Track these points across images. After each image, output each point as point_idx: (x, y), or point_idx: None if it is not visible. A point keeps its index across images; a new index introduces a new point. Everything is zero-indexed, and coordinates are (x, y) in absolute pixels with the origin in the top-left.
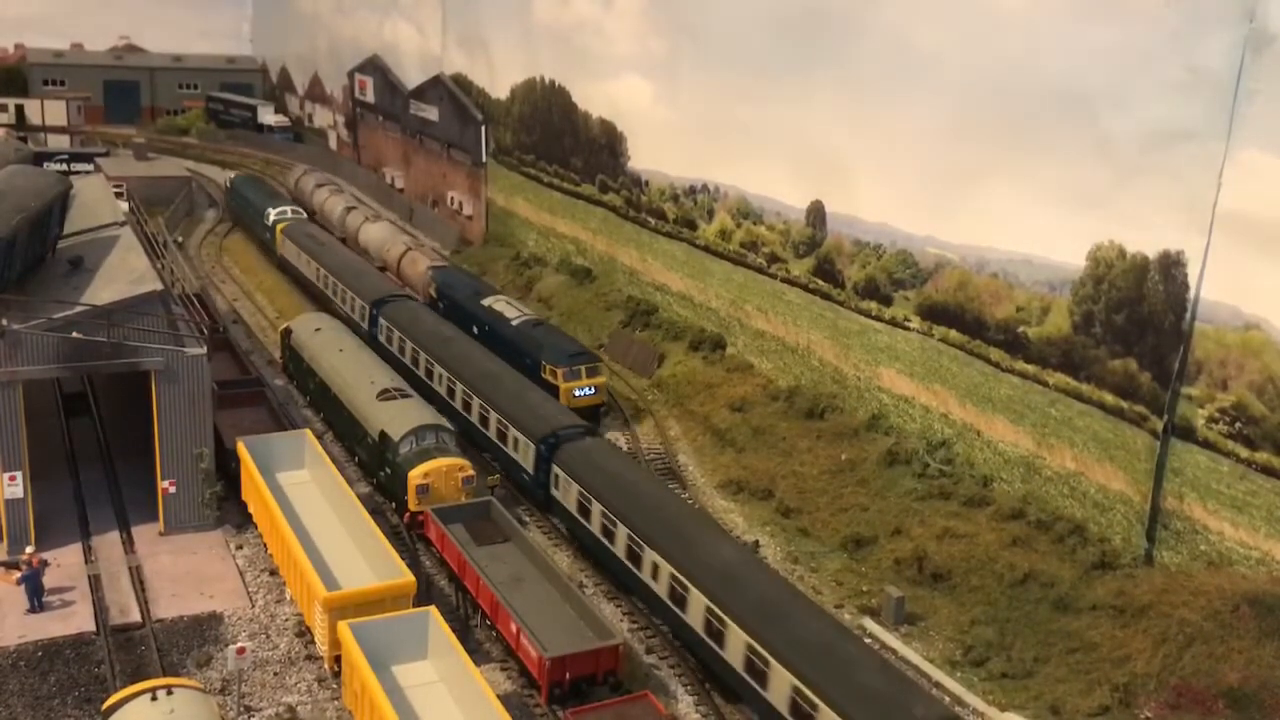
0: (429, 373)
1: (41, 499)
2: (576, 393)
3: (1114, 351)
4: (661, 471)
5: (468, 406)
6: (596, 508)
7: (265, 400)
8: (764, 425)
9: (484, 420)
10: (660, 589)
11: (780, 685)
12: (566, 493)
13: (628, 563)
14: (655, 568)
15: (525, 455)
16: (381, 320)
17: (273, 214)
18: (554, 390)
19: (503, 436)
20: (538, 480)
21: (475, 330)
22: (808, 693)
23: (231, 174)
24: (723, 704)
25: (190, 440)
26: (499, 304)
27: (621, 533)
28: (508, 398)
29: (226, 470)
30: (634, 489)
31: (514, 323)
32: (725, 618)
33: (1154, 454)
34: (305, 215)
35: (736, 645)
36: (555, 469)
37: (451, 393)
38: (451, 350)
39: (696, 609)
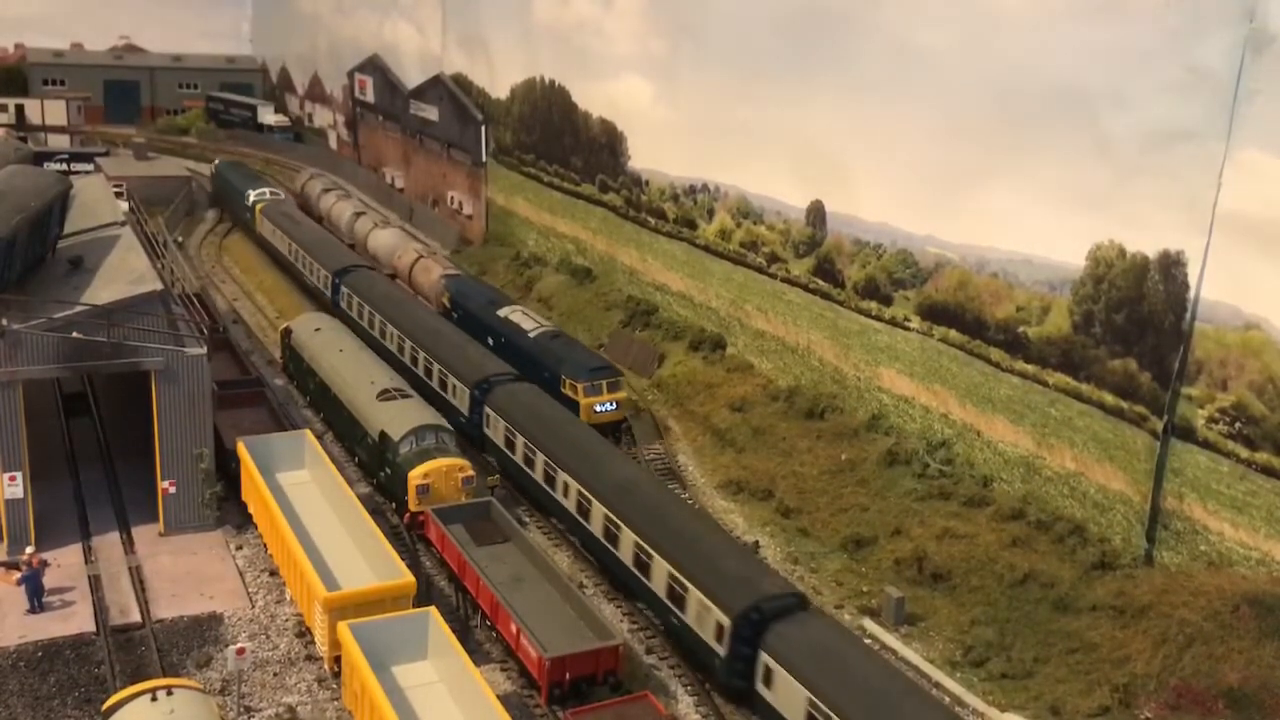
0: (382, 333)
1: (41, 499)
2: (597, 408)
3: (1114, 351)
4: (661, 472)
5: (414, 361)
6: (520, 440)
7: (265, 400)
8: (764, 425)
9: (428, 372)
10: (570, 505)
11: (660, 574)
12: (495, 430)
13: (545, 486)
14: (566, 486)
15: (461, 399)
16: (343, 288)
17: (252, 195)
18: (574, 406)
19: (443, 385)
20: (472, 421)
21: (490, 342)
22: (681, 579)
23: (217, 160)
24: (723, 704)
25: (190, 440)
26: (515, 315)
27: (540, 460)
28: (448, 350)
29: (226, 470)
30: (550, 424)
31: (531, 334)
32: (619, 523)
33: (1154, 454)
34: (282, 196)
35: (627, 545)
36: (487, 409)
37: (401, 350)
38: (403, 312)
39: (598, 519)
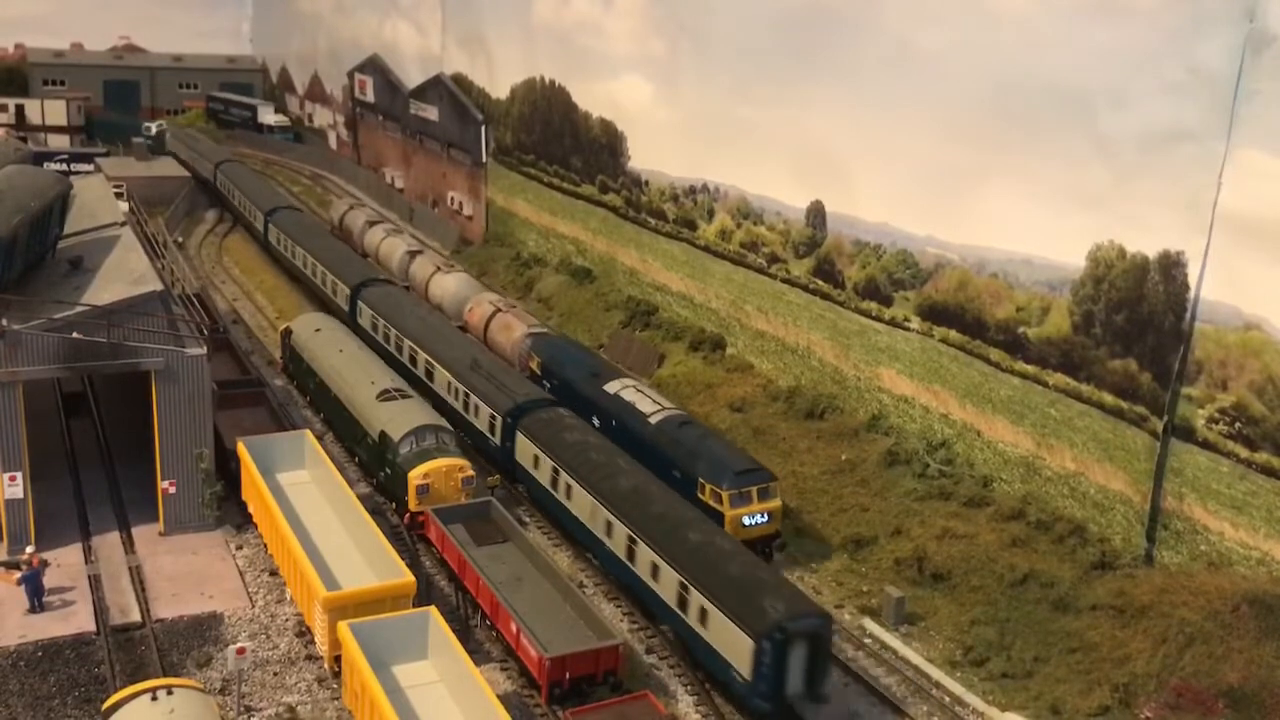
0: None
1: (41, 499)
2: (746, 520)
3: (1114, 352)
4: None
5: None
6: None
7: (265, 400)
8: (764, 425)
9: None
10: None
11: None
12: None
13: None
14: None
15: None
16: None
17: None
18: (716, 515)
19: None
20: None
21: (597, 422)
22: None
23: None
24: (722, 704)
25: (190, 440)
26: (628, 392)
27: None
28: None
29: (226, 470)
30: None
31: (653, 420)
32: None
33: (1154, 454)
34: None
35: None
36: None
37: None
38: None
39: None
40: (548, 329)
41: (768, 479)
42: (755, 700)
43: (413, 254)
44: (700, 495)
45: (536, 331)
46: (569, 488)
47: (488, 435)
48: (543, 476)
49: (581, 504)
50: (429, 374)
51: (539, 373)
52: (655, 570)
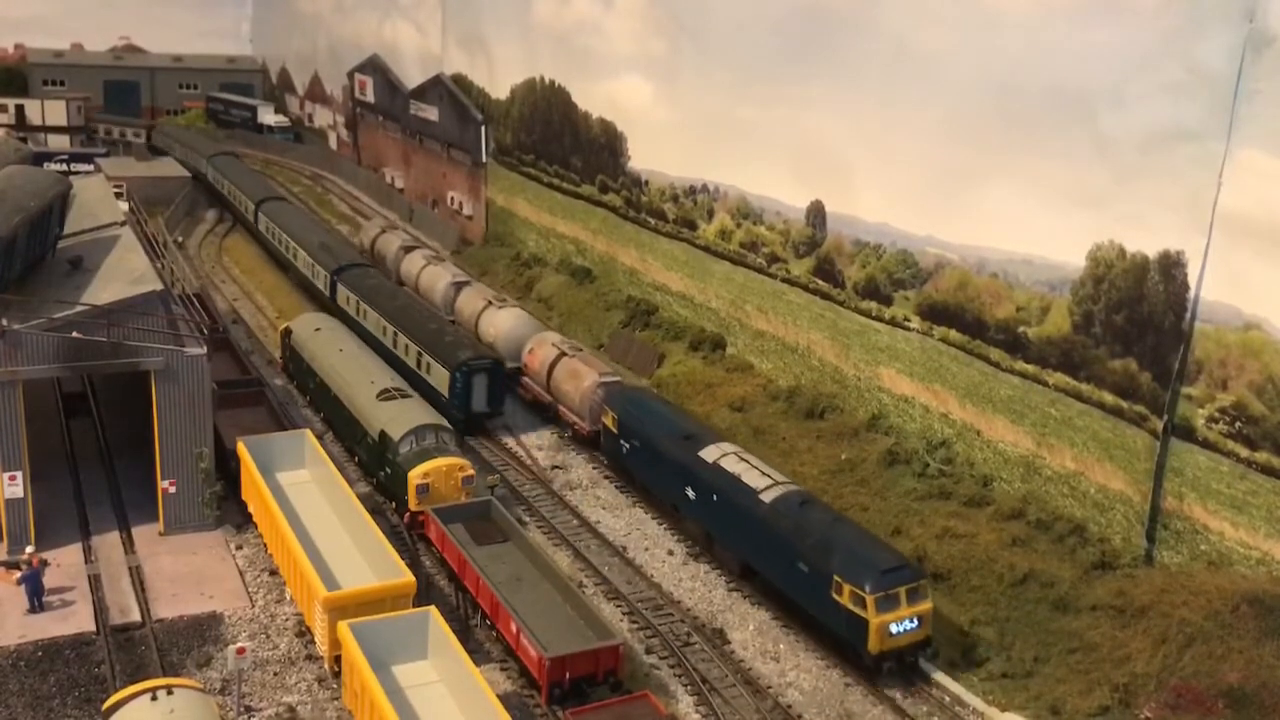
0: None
1: (41, 499)
2: (894, 628)
3: (1114, 351)
4: None
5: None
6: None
7: (265, 400)
8: (764, 425)
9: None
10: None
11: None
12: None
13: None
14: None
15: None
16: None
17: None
18: (857, 621)
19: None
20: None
21: (692, 494)
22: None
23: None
24: (721, 705)
25: (190, 440)
26: (730, 461)
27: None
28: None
29: (226, 470)
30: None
31: (766, 498)
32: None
33: (1154, 454)
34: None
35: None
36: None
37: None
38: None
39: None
40: (619, 375)
41: (917, 576)
42: (452, 410)
43: (459, 285)
44: (836, 596)
45: (610, 380)
46: (365, 312)
47: (321, 288)
48: (350, 309)
49: (375, 322)
50: (292, 253)
51: (615, 430)
52: (403, 347)
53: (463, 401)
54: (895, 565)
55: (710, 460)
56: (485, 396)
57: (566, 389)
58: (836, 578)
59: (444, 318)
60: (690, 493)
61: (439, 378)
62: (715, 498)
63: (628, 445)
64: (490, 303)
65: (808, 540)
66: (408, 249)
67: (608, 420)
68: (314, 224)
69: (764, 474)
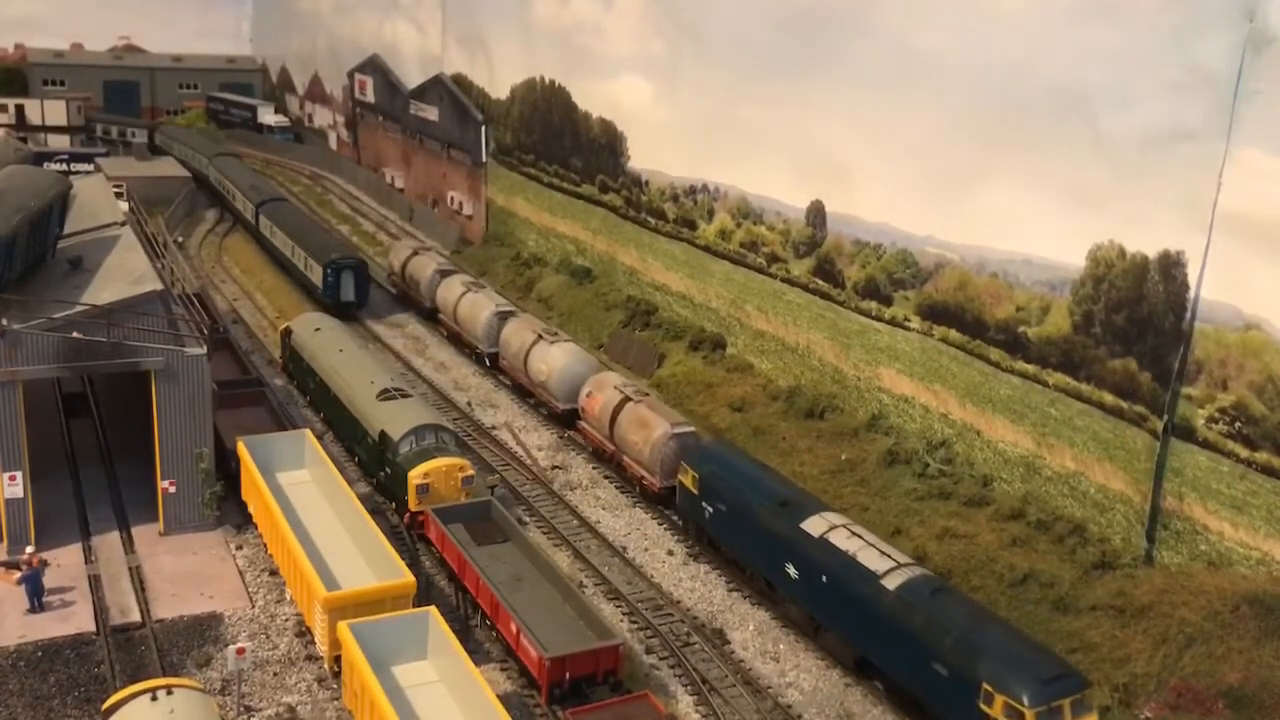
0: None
1: (41, 499)
2: None
3: (1114, 351)
4: None
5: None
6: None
7: (265, 400)
8: (764, 425)
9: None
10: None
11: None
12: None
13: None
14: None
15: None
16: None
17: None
18: None
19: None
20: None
21: (793, 571)
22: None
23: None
24: (721, 705)
25: (190, 440)
26: (840, 535)
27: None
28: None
29: (226, 470)
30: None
31: (889, 584)
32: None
33: (1154, 454)
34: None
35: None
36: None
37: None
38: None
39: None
40: (692, 425)
41: (1082, 685)
42: (326, 299)
43: (504, 315)
44: (985, 707)
45: (684, 431)
46: (275, 233)
47: (250, 219)
48: (267, 233)
49: (281, 239)
50: (231, 195)
51: (695, 491)
52: (293, 252)
53: (333, 293)
54: (1058, 674)
55: (816, 534)
56: (352, 289)
57: (633, 440)
58: (986, 686)
59: (329, 230)
60: (791, 571)
61: (315, 274)
62: (824, 579)
63: (711, 509)
64: (540, 336)
65: (946, 639)
66: (444, 273)
67: (685, 479)
68: (249, 171)
69: (883, 553)
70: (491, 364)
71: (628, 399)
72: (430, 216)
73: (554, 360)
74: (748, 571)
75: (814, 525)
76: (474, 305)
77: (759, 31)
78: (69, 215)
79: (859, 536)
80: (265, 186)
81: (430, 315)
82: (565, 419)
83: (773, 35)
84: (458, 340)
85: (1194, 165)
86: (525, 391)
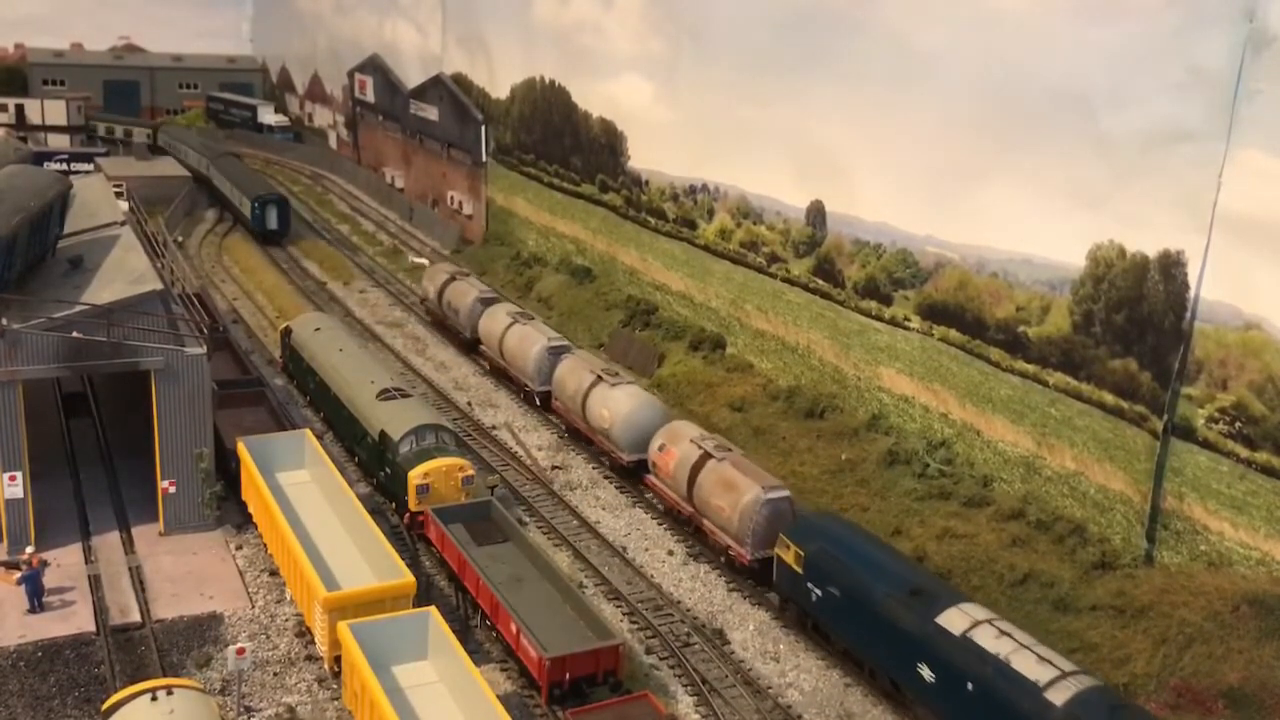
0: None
1: (41, 499)
2: None
3: (1114, 351)
4: None
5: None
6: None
7: (265, 400)
8: (764, 425)
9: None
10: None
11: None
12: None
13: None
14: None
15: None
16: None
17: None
18: None
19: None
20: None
21: (928, 673)
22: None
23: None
24: (721, 705)
25: (190, 440)
26: (985, 635)
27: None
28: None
29: (226, 470)
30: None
31: (1055, 698)
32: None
33: (1154, 454)
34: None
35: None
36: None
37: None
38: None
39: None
40: (787, 488)
41: None
42: (254, 228)
43: (557, 351)
44: None
45: (779, 496)
46: (222, 181)
47: (204, 172)
48: (216, 181)
49: (223, 183)
50: (183, 154)
51: (799, 570)
52: (230, 192)
53: (260, 223)
54: None
55: (957, 633)
56: (276, 220)
57: (717, 504)
58: None
59: (262, 175)
60: (925, 673)
61: (245, 206)
62: (970, 688)
63: (819, 592)
64: (600, 378)
65: None
66: (486, 301)
67: (786, 555)
68: (204, 144)
69: (1041, 658)
70: (542, 404)
71: (708, 455)
72: (430, 216)
73: (617, 405)
74: (865, 668)
75: (953, 621)
76: (523, 339)
77: (759, 31)
78: (69, 215)
79: (1009, 636)
80: (217, 148)
81: (471, 346)
82: (632, 471)
83: (773, 35)
84: (502, 376)
85: (1194, 165)
86: (582, 437)
